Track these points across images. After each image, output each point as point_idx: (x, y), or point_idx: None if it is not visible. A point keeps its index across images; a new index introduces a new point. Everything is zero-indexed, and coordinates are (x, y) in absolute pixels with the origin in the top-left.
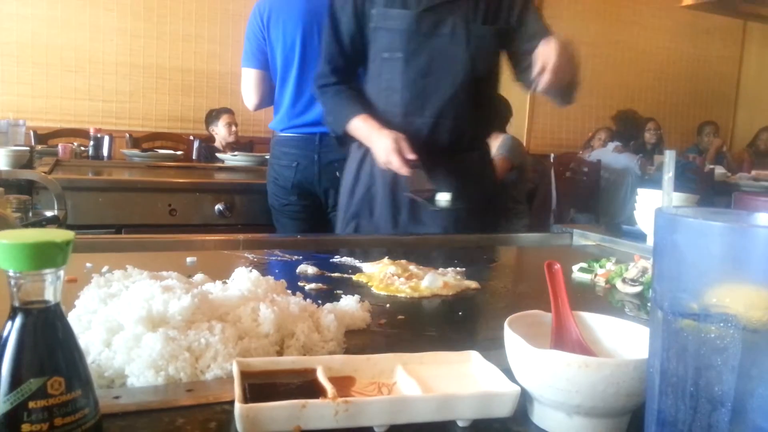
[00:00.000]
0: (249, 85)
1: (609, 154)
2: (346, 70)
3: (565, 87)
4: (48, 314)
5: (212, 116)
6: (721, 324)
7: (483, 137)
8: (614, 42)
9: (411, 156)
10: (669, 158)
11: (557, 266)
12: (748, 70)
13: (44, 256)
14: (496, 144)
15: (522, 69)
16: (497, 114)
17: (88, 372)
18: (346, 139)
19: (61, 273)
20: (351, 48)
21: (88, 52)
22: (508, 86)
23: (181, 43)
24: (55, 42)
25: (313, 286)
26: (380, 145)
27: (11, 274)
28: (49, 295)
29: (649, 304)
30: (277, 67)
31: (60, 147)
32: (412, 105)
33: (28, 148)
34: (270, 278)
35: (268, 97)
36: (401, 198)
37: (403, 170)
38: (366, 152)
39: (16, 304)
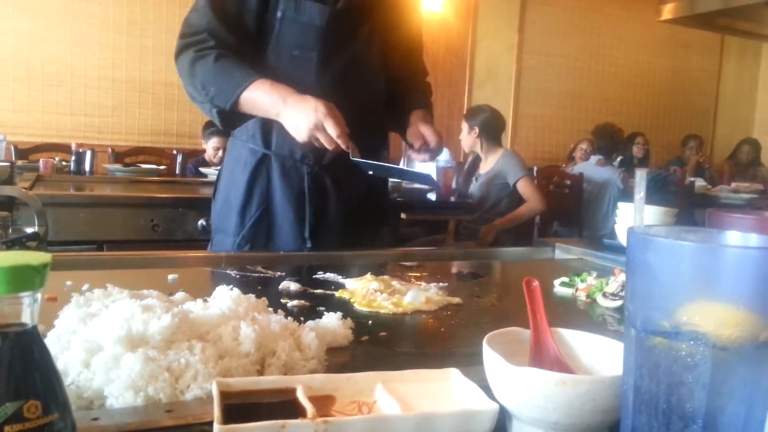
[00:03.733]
0: None
1: (591, 168)
2: (232, 47)
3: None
4: (25, 337)
5: (207, 133)
6: (692, 342)
7: (386, 150)
8: (594, 55)
9: (344, 127)
10: (639, 178)
11: (535, 283)
12: (727, 84)
13: (21, 280)
14: (492, 164)
15: (394, 112)
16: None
17: (65, 395)
18: (233, 117)
19: (38, 296)
20: (243, 27)
21: (69, 66)
22: (492, 99)
23: (164, 57)
24: (36, 56)
25: (295, 302)
26: (305, 110)
27: None
28: (26, 317)
29: None
30: None
31: (41, 162)
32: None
33: (8, 164)
34: (251, 296)
35: None
36: (306, 211)
37: (342, 141)
38: (260, 162)
39: None
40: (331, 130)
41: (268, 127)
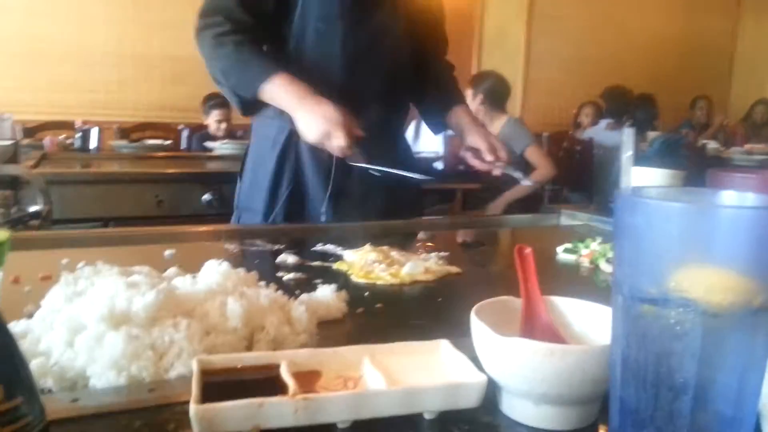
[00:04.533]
0: None
1: (601, 132)
2: (249, 29)
3: None
4: None
5: (207, 106)
6: (681, 309)
7: (402, 123)
8: (606, 17)
9: (359, 132)
10: (627, 137)
11: (528, 250)
12: (743, 43)
13: None
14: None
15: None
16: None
17: (30, 377)
18: (253, 106)
19: (0, 274)
20: (262, 5)
21: (74, 42)
22: (501, 64)
23: (169, 31)
24: (40, 33)
25: (292, 276)
26: (318, 116)
27: None
28: None
29: None
30: None
31: (47, 140)
32: (349, 86)
33: (12, 143)
34: (240, 270)
35: None
36: (337, 181)
37: (348, 152)
38: (289, 139)
39: None
40: (339, 141)
41: None
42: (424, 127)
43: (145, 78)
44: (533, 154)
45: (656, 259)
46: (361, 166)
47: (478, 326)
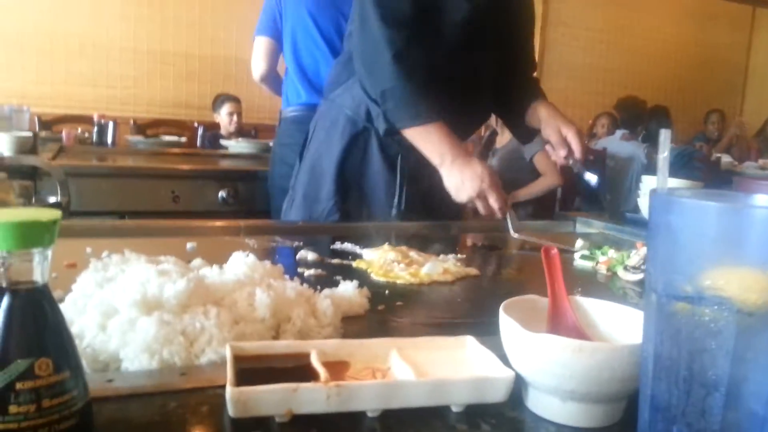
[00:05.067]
0: (258, 53)
1: (616, 143)
2: (413, 42)
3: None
4: (36, 295)
5: (217, 102)
6: (716, 307)
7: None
8: (620, 27)
9: (505, 198)
10: (664, 138)
11: (554, 251)
12: (757, 57)
13: (31, 236)
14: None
15: (514, 119)
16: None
17: (77, 354)
18: (395, 134)
19: (49, 253)
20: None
21: (91, 38)
22: None
23: (185, 29)
24: (58, 28)
25: (312, 272)
26: (470, 177)
27: None
28: (37, 275)
29: None
30: (287, 44)
31: (64, 133)
32: (460, 109)
33: (31, 134)
34: (267, 263)
35: (275, 69)
36: (396, 186)
37: (501, 213)
38: (359, 133)
39: (4, 284)
40: (494, 202)
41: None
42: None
43: (161, 75)
44: (541, 161)
45: (691, 257)
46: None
47: (507, 322)
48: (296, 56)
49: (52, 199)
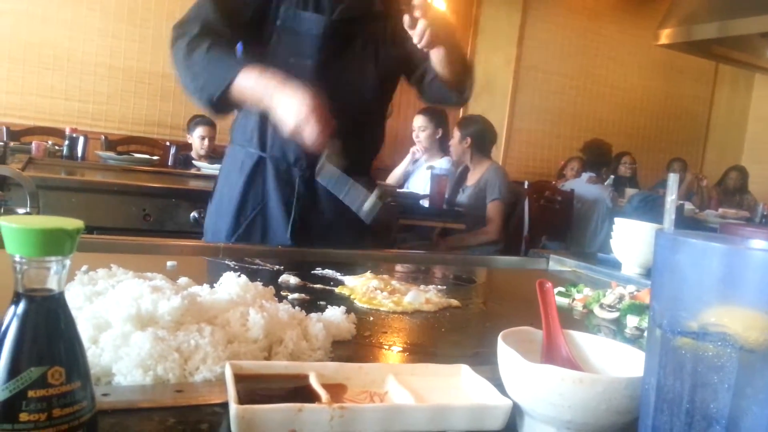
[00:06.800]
0: None
1: (583, 185)
2: (225, 40)
3: (454, 67)
4: (51, 303)
5: (192, 124)
6: (719, 343)
7: (369, 163)
8: (590, 75)
9: (333, 123)
10: (672, 182)
11: (548, 284)
12: (719, 111)
13: (52, 243)
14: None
15: (420, 78)
16: (381, 142)
17: (87, 365)
18: (224, 107)
19: (68, 262)
20: (241, 26)
21: (67, 51)
22: (487, 111)
23: (162, 48)
24: (33, 39)
25: (295, 296)
26: (298, 100)
27: (17, 259)
28: (53, 283)
29: (625, 330)
30: None
31: (34, 144)
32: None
33: (2, 144)
34: (258, 284)
35: None
36: (300, 210)
37: (323, 138)
38: (257, 166)
39: (20, 290)
40: (311, 132)
41: (265, 129)
42: (412, 168)
43: (135, 92)
44: (493, 210)
45: (697, 295)
46: (326, 181)
47: (505, 351)
48: None
49: (21, 211)
